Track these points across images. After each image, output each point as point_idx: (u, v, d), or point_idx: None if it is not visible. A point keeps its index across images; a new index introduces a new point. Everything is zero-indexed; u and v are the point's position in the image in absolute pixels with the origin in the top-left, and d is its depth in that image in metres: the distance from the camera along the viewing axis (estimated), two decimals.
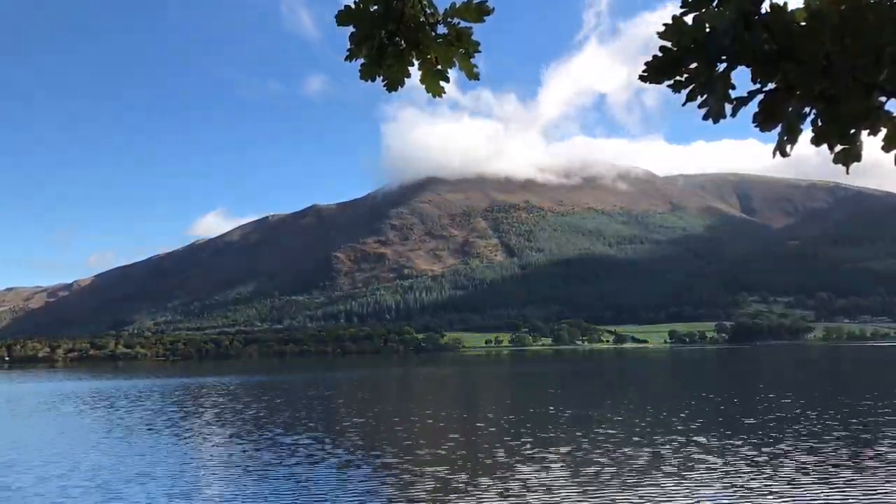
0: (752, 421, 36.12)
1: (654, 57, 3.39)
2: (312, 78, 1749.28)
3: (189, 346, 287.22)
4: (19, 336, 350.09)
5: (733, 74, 3.36)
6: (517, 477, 22.68)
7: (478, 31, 4.31)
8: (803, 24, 3.22)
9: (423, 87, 4.46)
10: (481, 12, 4.14)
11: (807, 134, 3.35)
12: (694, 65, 3.35)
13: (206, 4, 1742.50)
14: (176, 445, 32.66)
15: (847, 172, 3.43)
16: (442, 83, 4.42)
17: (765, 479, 21.54)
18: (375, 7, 4.16)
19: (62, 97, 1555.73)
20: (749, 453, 26.13)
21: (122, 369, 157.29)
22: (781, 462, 24.24)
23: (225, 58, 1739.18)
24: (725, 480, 21.41)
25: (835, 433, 30.71)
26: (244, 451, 30.06)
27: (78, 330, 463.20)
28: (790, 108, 3.29)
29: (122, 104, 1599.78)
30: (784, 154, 3.38)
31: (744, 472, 22.59)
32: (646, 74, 3.41)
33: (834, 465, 23.38)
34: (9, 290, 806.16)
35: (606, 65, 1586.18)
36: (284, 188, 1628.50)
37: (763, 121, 3.31)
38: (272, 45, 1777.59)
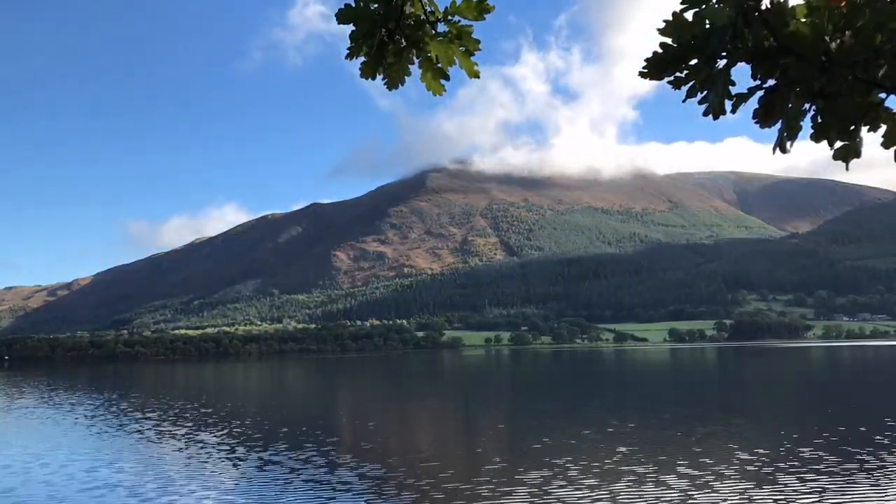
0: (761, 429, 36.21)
1: (654, 53, 3.39)
2: (312, 75, 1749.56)
3: (189, 344, 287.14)
4: (19, 335, 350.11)
5: (733, 71, 3.36)
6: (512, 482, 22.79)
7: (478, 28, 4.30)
8: (803, 20, 3.22)
9: (424, 85, 4.42)
10: (482, 10, 4.13)
11: (806, 130, 3.36)
12: (694, 61, 3.35)
13: None
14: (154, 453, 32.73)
15: (847, 169, 3.43)
16: (442, 82, 4.40)
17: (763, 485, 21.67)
18: (376, 5, 4.14)
19: (55, 94, 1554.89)
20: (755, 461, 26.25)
21: (119, 371, 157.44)
22: (782, 470, 24.36)
23: (225, 55, 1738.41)
24: (724, 484, 21.54)
25: (837, 440, 30.82)
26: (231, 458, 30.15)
27: (78, 329, 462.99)
28: (790, 105, 3.30)
29: (117, 103, 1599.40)
30: (784, 150, 3.40)
31: (743, 480, 22.69)
32: (646, 71, 3.40)
33: (836, 472, 23.50)
34: (8, 289, 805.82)
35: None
36: (284, 186, 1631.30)
37: (763, 117, 3.33)
38: (271, 40, 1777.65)
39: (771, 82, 3.31)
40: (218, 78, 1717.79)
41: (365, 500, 20.79)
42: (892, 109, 3.20)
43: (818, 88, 3.22)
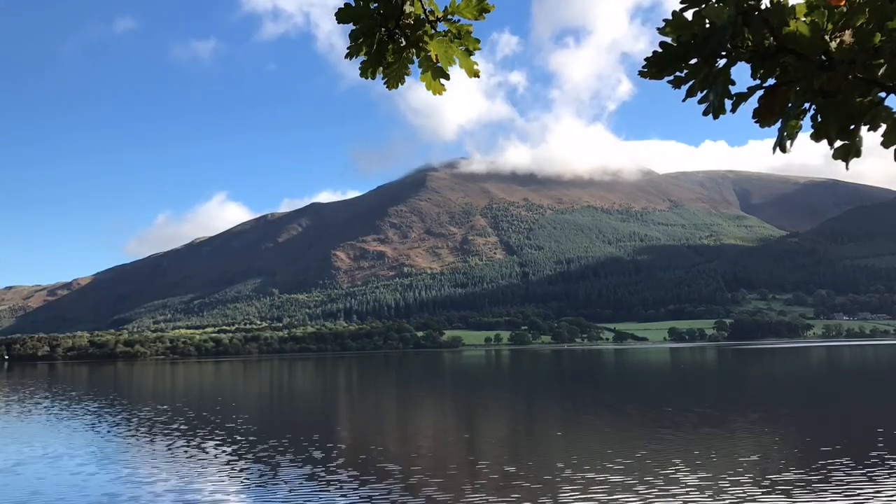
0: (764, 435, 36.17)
1: (655, 53, 3.40)
2: (312, 74, 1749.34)
3: (189, 344, 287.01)
4: (19, 335, 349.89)
5: (733, 70, 3.37)
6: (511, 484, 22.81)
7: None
8: (803, 19, 3.25)
9: (424, 85, 4.42)
10: (481, 10, 4.14)
11: (806, 129, 3.37)
12: (694, 60, 3.36)
13: None
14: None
15: (847, 168, 3.43)
16: (442, 81, 4.40)
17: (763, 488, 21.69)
18: (375, 4, 4.15)
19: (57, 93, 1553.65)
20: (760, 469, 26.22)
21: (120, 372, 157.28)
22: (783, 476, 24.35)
23: (226, 54, 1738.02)
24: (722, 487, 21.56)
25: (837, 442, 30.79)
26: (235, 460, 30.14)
27: (77, 328, 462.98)
28: (790, 104, 3.31)
29: (116, 100, 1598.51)
30: (784, 150, 3.39)
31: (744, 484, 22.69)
32: (646, 70, 3.41)
33: (834, 476, 23.50)
34: (8, 288, 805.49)
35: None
36: (284, 186, 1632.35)
37: (762, 117, 3.33)
38: (273, 41, 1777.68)
39: (771, 81, 3.31)
40: (219, 76, 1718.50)
41: (365, 500, 20.80)
42: (891, 108, 3.21)
43: (818, 87, 3.22)
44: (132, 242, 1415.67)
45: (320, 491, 21.96)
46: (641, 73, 3.42)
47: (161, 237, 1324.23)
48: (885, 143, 3.18)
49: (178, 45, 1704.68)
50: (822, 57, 3.20)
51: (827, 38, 3.21)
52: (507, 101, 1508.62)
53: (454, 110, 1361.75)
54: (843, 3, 3.19)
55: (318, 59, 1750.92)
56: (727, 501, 19.13)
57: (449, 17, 4.19)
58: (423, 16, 4.22)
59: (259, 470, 25.88)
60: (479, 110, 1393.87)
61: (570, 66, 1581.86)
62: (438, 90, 4.43)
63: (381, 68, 4.31)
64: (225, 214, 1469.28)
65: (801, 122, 3.33)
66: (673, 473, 22.78)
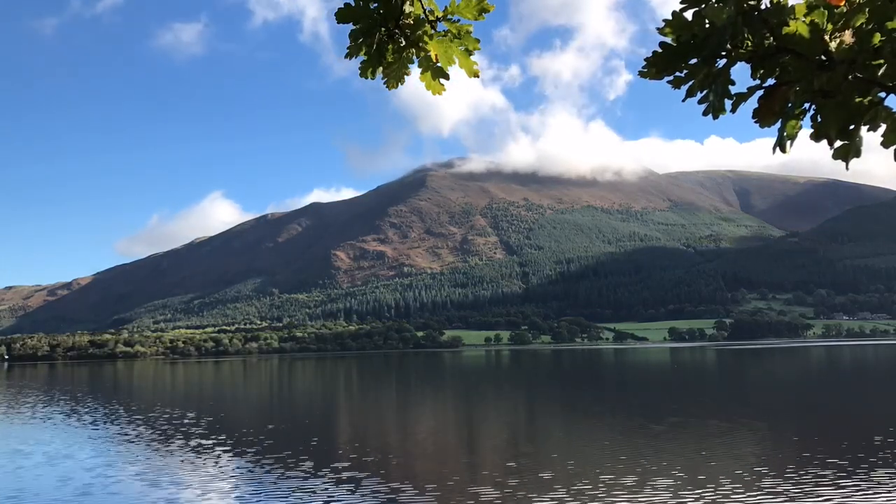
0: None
1: (654, 53, 3.39)
2: (311, 73, 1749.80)
3: (189, 344, 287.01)
4: (19, 334, 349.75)
5: (733, 70, 3.38)
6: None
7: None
8: (802, 19, 3.25)
9: (423, 85, 4.42)
10: (481, 10, 4.13)
11: (807, 130, 3.37)
12: (694, 61, 3.36)
13: None
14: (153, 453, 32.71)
15: (847, 168, 3.41)
16: (442, 81, 4.38)
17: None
18: (375, 4, 4.14)
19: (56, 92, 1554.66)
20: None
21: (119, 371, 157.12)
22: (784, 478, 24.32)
23: (215, 39, 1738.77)
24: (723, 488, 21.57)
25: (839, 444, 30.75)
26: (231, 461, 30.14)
27: (77, 328, 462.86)
28: (790, 104, 3.30)
29: (115, 99, 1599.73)
30: (784, 150, 3.39)
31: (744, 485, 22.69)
32: (645, 71, 3.40)
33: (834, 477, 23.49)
34: (8, 288, 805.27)
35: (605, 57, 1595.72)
36: (283, 185, 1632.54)
37: (762, 117, 3.32)
38: (276, 44, 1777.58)
39: (771, 81, 3.32)
40: (220, 76, 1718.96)
41: (365, 500, 20.81)
42: (891, 108, 3.21)
43: (818, 87, 3.22)
44: (131, 242, 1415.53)
45: (320, 491, 21.96)
46: (641, 74, 3.42)
47: (158, 237, 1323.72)
48: (885, 143, 3.18)
49: (164, 31, 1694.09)
50: (822, 57, 3.20)
51: (827, 38, 3.21)
52: (504, 94, 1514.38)
53: (451, 104, 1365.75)
54: (842, 3, 3.19)
55: (308, 53, 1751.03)
56: (727, 501, 19.14)
57: (449, 17, 4.18)
58: (422, 16, 4.21)
59: (259, 470, 25.88)
60: (476, 101, 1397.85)
61: (560, 64, 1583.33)
62: (438, 90, 4.42)
63: (380, 68, 4.31)
64: (218, 214, 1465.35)
65: (801, 122, 3.33)
66: (673, 473, 22.79)
